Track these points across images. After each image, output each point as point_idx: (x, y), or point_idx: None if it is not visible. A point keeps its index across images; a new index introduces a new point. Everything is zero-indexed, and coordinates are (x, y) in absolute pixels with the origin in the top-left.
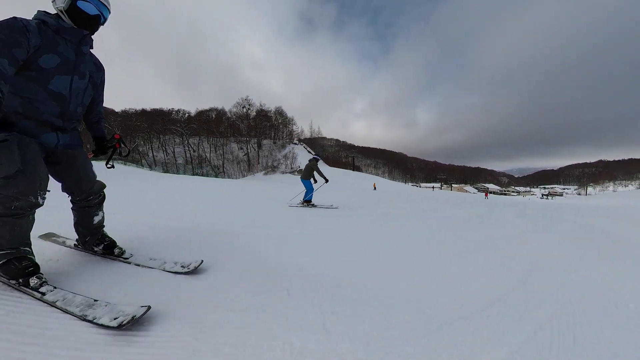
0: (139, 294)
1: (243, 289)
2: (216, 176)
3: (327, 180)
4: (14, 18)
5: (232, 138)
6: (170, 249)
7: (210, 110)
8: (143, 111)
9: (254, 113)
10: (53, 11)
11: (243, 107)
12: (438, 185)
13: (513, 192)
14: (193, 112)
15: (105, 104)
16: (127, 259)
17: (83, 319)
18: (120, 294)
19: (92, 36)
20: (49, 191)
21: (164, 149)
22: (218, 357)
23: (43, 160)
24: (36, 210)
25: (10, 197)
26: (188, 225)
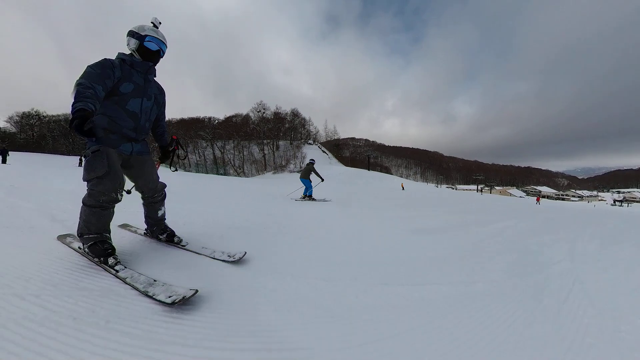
0: (192, 277)
1: (278, 279)
2: (238, 175)
3: (322, 179)
4: (105, 59)
5: (254, 140)
6: (218, 241)
7: (236, 116)
8: (182, 120)
9: (272, 116)
10: (128, 52)
11: (259, 112)
12: (477, 187)
13: (574, 196)
14: (222, 118)
15: None
16: (184, 246)
17: (145, 294)
18: (175, 275)
19: (155, 67)
20: (126, 191)
21: (196, 152)
22: (252, 338)
23: (120, 165)
24: (115, 205)
25: (99, 192)
26: (228, 222)
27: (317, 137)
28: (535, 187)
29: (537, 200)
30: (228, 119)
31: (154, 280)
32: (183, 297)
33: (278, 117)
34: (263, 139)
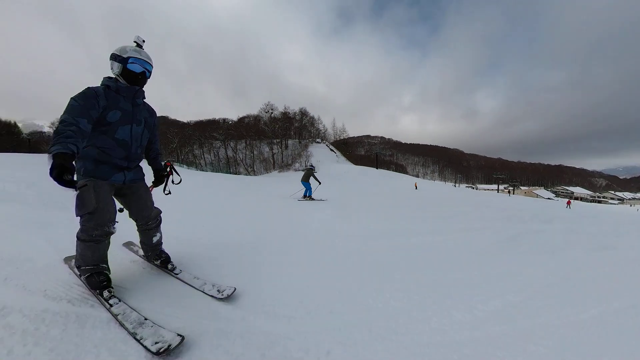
0: (180, 315)
1: (269, 321)
2: (248, 174)
3: (320, 183)
4: (88, 88)
5: (265, 140)
6: (211, 268)
7: (248, 116)
8: (199, 122)
9: (280, 115)
10: (113, 76)
11: (267, 112)
12: (497, 187)
13: (612, 198)
14: (236, 119)
15: (177, 117)
16: (177, 274)
17: (133, 336)
18: (165, 312)
19: (144, 89)
20: (117, 222)
21: (211, 152)
22: None
23: (113, 197)
24: (110, 237)
25: (91, 227)
26: (224, 239)
27: (326, 135)
28: (566, 187)
29: (568, 203)
30: (241, 120)
31: (145, 319)
32: (169, 346)
33: (286, 116)
34: (272, 138)
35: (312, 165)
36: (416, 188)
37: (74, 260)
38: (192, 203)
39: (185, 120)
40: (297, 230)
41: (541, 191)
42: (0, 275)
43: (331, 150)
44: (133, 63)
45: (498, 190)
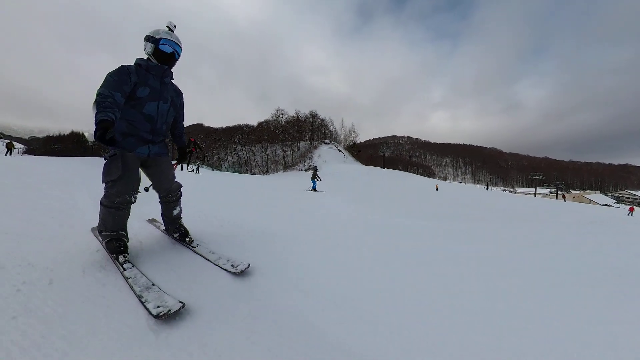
0: (191, 284)
1: (279, 297)
2: (263, 174)
3: (320, 179)
4: (122, 65)
5: (278, 143)
6: (227, 244)
7: (265, 122)
8: (226, 128)
9: (292, 119)
10: (145, 57)
11: (277, 117)
12: (535, 190)
13: None
14: (255, 124)
15: (210, 124)
16: (194, 248)
17: (139, 299)
18: (175, 280)
19: (172, 69)
20: (144, 189)
21: (233, 155)
22: None
23: (138, 168)
24: (131, 206)
25: (114, 194)
26: (243, 222)
27: (337, 136)
28: (633, 192)
29: (631, 210)
30: (259, 125)
31: (152, 285)
32: (169, 311)
33: (297, 120)
34: (282, 141)
35: (316, 167)
36: (437, 189)
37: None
38: (213, 193)
39: (216, 126)
40: (302, 215)
41: (596, 196)
42: (46, 236)
43: (339, 150)
44: (164, 44)
45: (535, 193)
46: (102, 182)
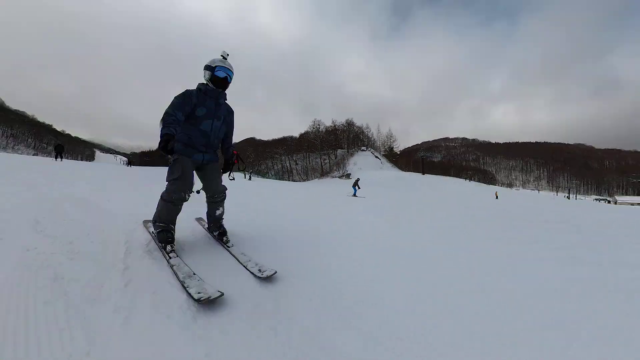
0: (222, 280)
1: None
2: (303, 181)
3: (359, 188)
4: (186, 90)
5: (316, 152)
6: (259, 248)
7: (306, 133)
8: (274, 140)
9: (329, 128)
10: (204, 82)
11: (314, 128)
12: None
13: None
14: (298, 135)
15: (262, 137)
16: (229, 247)
17: (182, 284)
18: (211, 274)
19: (226, 91)
20: (196, 192)
21: (278, 163)
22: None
23: (193, 172)
24: (183, 204)
25: (173, 190)
26: (277, 226)
27: (374, 143)
28: None
29: None
30: (301, 136)
31: (194, 273)
32: (208, 297)
33: (333, 129)
34: (320, 150)
35: (357, 178)
36: (497, 198)
37: (149, 222)
38: (256, 198)
39: (266, 139)
40: (341, 222)
41: None
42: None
43: (376, 157)
44: (219, 71)
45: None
46: (166, 180)
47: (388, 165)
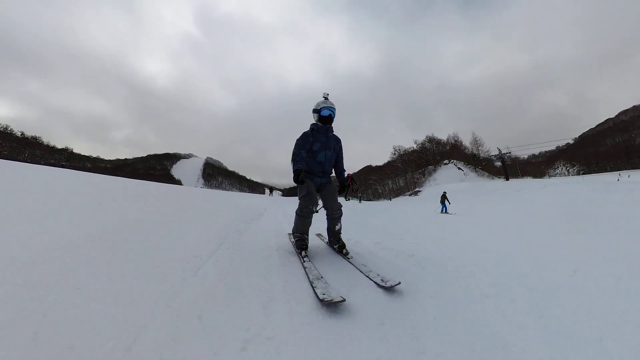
0: (344, 286)
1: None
2: (389, 200)
3: (449, 203)
4: (304, 132)
5: (402, 175)
6: (379, 262)
7: (404, 154)
8: (384, 164)
9: (413, 148)
10: (314, 122)
11: (394, 154)
12: None
13: None
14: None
15: (377, 163)
16: (349, 259)
17: (311, 284)
18: (333, 279)
19: (332, 125)
20: (315, 211)
21: (383, 186)
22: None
23: (315, 190)
24: (312, 216)
25: (304, 205)
26: (398, 246)
27: (465, 150)
28: None
29: None
30: (401, 155)
31: (321, 277)
32: (331, 300)
33: (413, 150)
34: (404, 172)
35: (444, 192)
36: None
37: (290, 234)
38: (364, 214)
39: (381, 164)
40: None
41: None
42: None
43: (459, 169)
44: (323, 110)
45: None
46: (298, 198)
47: (472, 175)
